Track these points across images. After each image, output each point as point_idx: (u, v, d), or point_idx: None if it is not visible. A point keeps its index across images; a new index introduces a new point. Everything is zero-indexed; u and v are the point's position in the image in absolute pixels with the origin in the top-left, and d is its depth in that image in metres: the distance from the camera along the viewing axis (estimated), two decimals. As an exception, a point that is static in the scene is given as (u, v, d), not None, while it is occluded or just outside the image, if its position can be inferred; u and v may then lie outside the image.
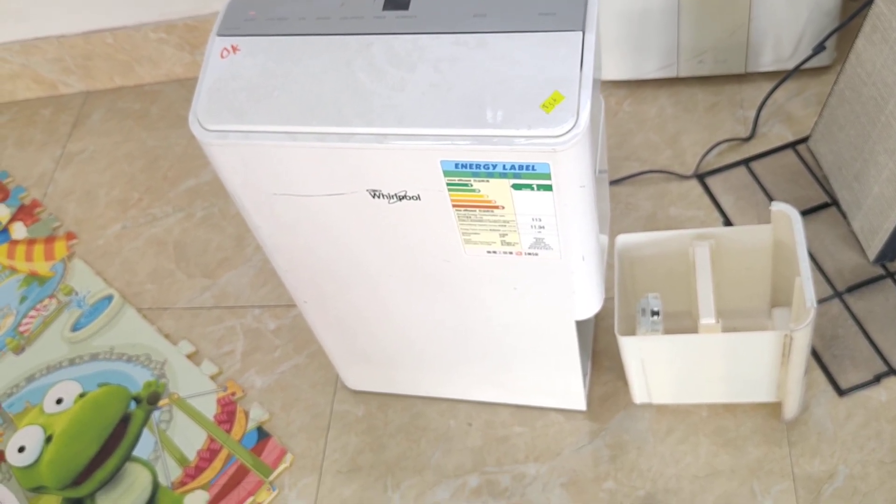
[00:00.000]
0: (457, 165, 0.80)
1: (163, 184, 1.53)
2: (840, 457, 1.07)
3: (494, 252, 0.90)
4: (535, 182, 0.80)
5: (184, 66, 1.65)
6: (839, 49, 1.39)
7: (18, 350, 1.38)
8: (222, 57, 0.85)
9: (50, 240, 1.50)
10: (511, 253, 0.90)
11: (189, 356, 1.31)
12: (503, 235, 0.88)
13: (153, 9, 1.56)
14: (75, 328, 1.38)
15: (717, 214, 1.29)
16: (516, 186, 0.81)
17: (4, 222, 1.54)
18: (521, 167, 0.79)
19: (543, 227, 0.85)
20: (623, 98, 1.45)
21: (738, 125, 1.38)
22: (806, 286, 0.96)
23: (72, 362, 1.34)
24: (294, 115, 0.81)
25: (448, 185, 0.82)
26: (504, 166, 0.79)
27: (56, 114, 1.69)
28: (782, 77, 1.35)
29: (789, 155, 1.33)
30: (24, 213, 1.55)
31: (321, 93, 0.82)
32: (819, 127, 1.29)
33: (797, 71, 1.35)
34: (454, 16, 0.82)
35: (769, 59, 1.37)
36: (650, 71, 1.42)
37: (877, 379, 1.11)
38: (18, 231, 1.52)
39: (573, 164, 0.78)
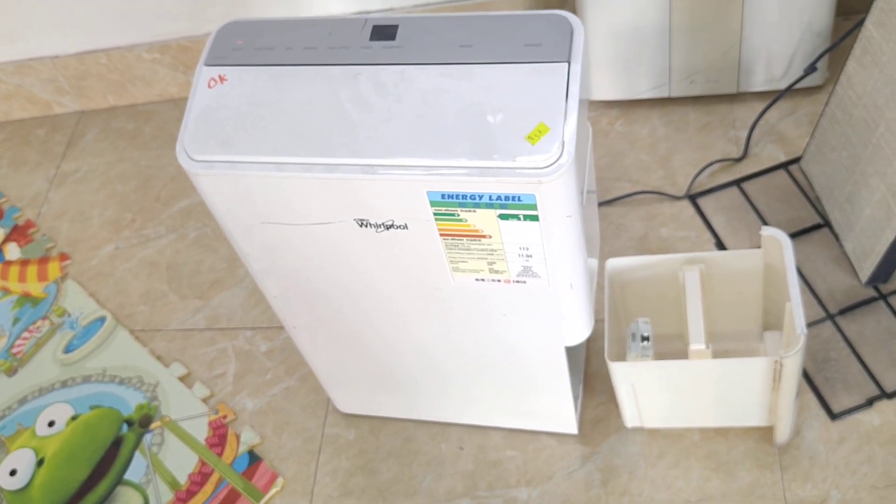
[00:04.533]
0: (443, 196, 0.80)
1: (155, 204, 1.53)
2: (832, 482, 1.06)
3: (483, 280, 0.90)
4: (521, 212, 0.80)
5: (178, 85, 1.65)
6: (831, 69, 1.39)
7: (11, 372, 1.37)
8: (209, 87, 0.85)
9: (43, 260, 1.50)
10: (499, 281, 0.90)
11: (181, 378, 1.31)
12: (491, 264, 0.87)
13: (147, 30, 1.56)
14: (68, 350, 1.38)
15: (708, 235, 1.29)
16: (503, 216, 0.81)
17: (-2, 243, 1.54)
18: (507, 198, 0.79)
19: (531, 256, 0.85)
20: (615, 118, 1.45)
21: (730, 145, 1.38)
22: (796, 313, 0.96)
23: (64, 384, 1.34)
24: (281, 145, 0.81)
25: (435, 214, 0.82)
26: (490, 197, 0.79)
27: (50, 133, 1.69)
28: (774, 97, 1.35)
29: (781, 175, 1.33)
30: (18, 233, 1.55)
31: (308, 123, 0.82)
32: (811, 148, 1.29)
33: (789, 91, 1.35)
34: (441, 46, 0.82)
35: (761, 79, 1.38)
36: (642, 91, 1.42)
37: (869, 402, 1.11)
38: (12, 252, 1.52)
39: (559, 194, 0.78)
